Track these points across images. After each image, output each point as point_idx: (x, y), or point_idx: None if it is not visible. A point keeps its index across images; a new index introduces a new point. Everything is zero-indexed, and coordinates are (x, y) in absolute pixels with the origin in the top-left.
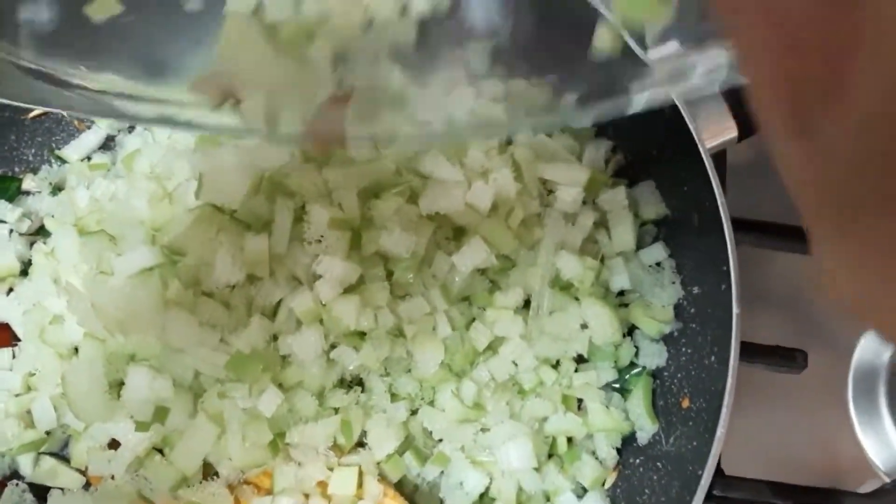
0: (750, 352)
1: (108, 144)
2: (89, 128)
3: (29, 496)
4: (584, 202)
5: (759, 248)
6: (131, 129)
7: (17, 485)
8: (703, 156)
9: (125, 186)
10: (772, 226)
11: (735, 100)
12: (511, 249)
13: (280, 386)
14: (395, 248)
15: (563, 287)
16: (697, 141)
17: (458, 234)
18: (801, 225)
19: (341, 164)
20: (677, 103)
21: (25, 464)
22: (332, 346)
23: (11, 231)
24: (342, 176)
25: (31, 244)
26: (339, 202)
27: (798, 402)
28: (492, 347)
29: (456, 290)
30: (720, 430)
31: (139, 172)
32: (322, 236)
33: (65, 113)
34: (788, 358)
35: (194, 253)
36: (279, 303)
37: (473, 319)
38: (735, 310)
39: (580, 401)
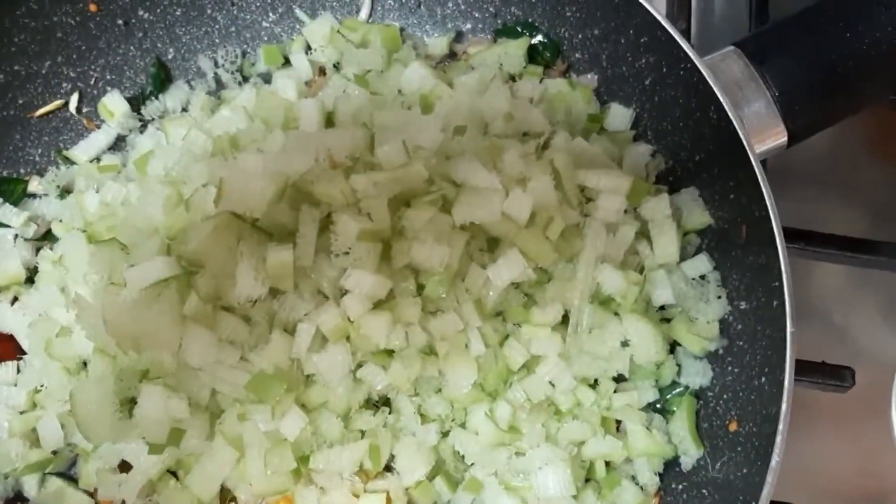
0: (796, 368)
1: (118, 145)
2: (99, 127)
3: None
4: (625, 211)
5: (803, 259)
6: (143, 128)
7: None
8: (753, 162)
9: (137, 190)
10: (818, 235)
11: (785, 103)
12: (550, 262)
13: (302, 407)
14: (428, 260)
15: (603, 302)
16: (746, 146)
17: (493, 244)
18: (849, 235)
19: (370, 171)
20: (724, 105)
21: (30, 485)
22: (359, 365)
23: (16, 236)
24: (371, 183)
25: (37, 250)
26: (367, 212)
27: (839, 420)
28: (527, 366)
29: (490, 305)
30: (775, 459)
31: (152, 176)
32: (350, 248)
33: (73, 110)
34: (836, 375)
35: (213, 264)
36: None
37: (507, 336)
38: (789, 328)
39: (618, 422)
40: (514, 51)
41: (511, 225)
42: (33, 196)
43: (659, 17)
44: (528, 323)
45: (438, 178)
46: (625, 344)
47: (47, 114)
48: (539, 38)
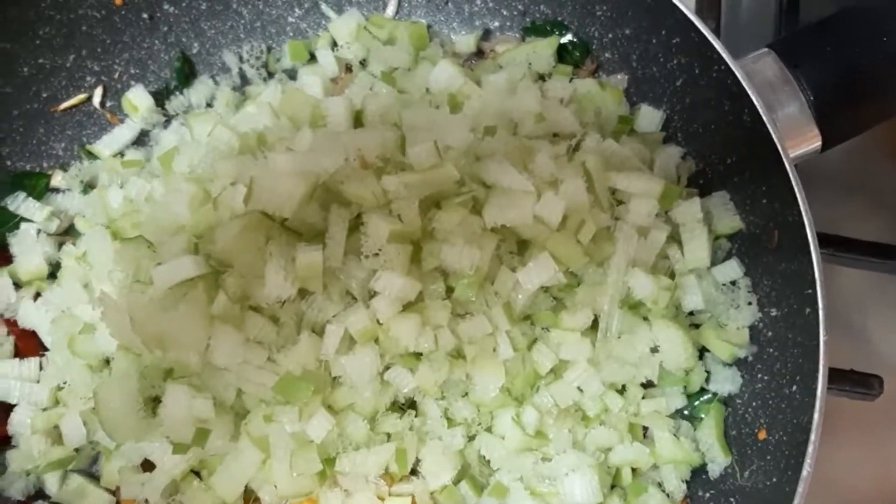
0: None
1: (141, 140)
2: (122, 122)
3: None
4: (656, 215)
5: (829, 265)
6: (167, 123)
7: None
8: (787, 166)
9: (162, 187)
10: (847, 241)
11: (819, 106)
12: (580, 266)
13: (329, 408)
14: (458, 263)
15: (633, 307)
16: (780, 150)
17: (522, 247)
18: (878, 241)
19: (401, 172)
20: (759, 108)
21: (52, 482)
22: (386, 367)
23: (39, 231)
24: (402, 184)
25: (60, 245)
26: (398, 213)
27: (860, 427)
28: (555, 371)
29: (519, 308)
30: (806, 469)
31: (178, 173)
32: (380, 249)
33: (96, 104)
34: (864, 383)
35: (241, 264)
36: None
37: (536, 340)
38: (822, 336)
39: (645, 428)
40: (542, 50)
41: (542, 228)
42: (56, 191)
43: (693, 18)
44: (557, 327)
45: (469, 179)
46: (654, 350)
47: (71, 108)
48: (568, 37)
